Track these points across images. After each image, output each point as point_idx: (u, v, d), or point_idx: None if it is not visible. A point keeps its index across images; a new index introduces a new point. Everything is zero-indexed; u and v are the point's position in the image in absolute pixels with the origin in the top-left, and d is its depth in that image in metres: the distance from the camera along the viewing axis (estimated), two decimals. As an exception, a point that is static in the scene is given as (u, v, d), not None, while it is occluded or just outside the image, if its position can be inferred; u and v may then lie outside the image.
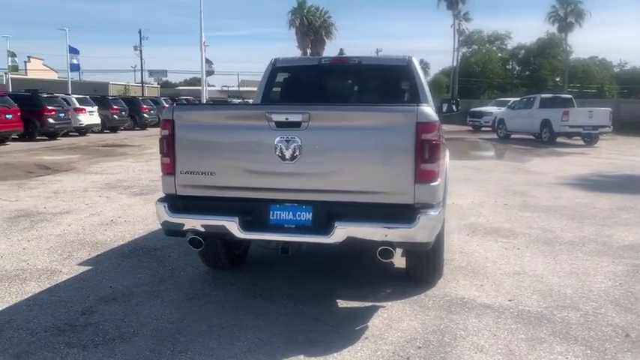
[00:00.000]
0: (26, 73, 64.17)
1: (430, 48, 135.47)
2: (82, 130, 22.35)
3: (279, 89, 5.46)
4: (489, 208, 7.64)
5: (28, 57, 67.94)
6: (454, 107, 6.60)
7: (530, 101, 22.11)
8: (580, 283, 4.46)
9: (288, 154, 3.47)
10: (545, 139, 20.02)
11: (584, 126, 19.16)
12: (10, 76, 53.35)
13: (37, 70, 65.69)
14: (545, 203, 8.08)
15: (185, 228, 3.69)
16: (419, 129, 3.37)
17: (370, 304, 3.97)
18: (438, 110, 6.66)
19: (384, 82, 5.49)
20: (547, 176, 11.15)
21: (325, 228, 3.47)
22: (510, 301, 4.06)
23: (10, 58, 51.03)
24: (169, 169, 3.73)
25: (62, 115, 19.76)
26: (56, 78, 63.91)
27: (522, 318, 3.73)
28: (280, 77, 5.51)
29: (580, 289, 4.33)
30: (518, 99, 24.79)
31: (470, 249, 5.48)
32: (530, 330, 3.54)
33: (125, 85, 63.00)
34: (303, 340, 3.38)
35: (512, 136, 22.76)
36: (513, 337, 3.45)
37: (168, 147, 3.70)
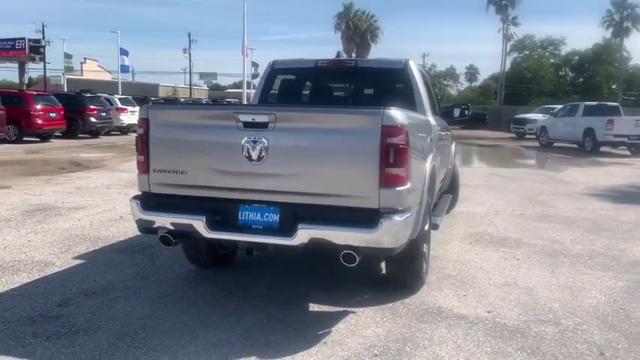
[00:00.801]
0: (82, 73, 66.82)
1: (480, 53, 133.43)
2: (124, 130, 23.09)
3: (277, 91, 5.47)
4: (503, 218, 7.42)
5: (84, 58, 70.65)
6: (466, 112, 6.50)
7: (573, 108, 21.38)
8: (571, 298, 4.26)
9: (254, 154, 3.46)
10: (588, 148, 19.31)
11: (629, 135, 18.39)
12: (67, 76, 55.78)
13: (92, 71, 68.23)
14: (566, 214, 7.78)
15: (155, 225, 3.74)
16: (384, 132, 3.30)
17: (342, 309, 3.92)
18: (448, 115, 6.57)
19: (379, 85, 5.42)
20: (578, 187, 10.73)
21: (289, 230, 3.45)
22: (489, 312, 3.92)
23: (65, 60, 53.41)
24: (144, 168, 3.79)
25: (104, 114, 20.48)
26: (109, 79, 66.19)
27: (495, 331, 3.60)
28: (279, 79, 5.52)
29: (569, 303, 4.13)
30: (561, 106, 23.98)
31: (466, 258, 5.33)
32: (498, 343, 3.41)
33: (174, 87, 64.64)
34: (261, 342, 3.36)
35: (555, 144, 22.07)
36: (478, 349, 3.32)
37: (143, 145, 3.76)
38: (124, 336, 3.39)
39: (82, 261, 4.97)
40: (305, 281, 4.52)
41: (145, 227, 3.80)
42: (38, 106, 17.46)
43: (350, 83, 5.65)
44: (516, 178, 12.11)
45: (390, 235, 3.37)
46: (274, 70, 5.49)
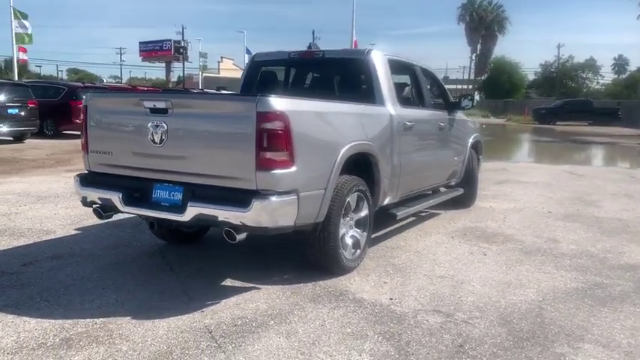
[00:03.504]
0: (219, 72, 71.77)
1: (630, 42, 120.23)
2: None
3: (258, 81, 5.77)
4: (522, 215, 7.06)
5: (221, 57, 75.77)
6: (472, 103, 6.46)
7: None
8: (496, 294, 4.10)
9: (157, 137, 3.84)
10: None
11: None
12: (204, 74, 60.47)
13: (228, 69, 72.98)
14: (601, 214, 7.19)
15: (89, 200, 4.26)
16: (259, 118, 3.50)
17: (252, 285, 4.15)
18: (457, 106, 6.49)
19: (343, 75, 5.52)
20: (654, 187, 9.73)
21: (183, 207, 3.78)
22: (391, 299, 3.93)
23: (201, 59, 57.83)
24: (85, 148, 4.33)
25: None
26: (242, 76, 70.25)
27: (376, 316, 3.63)
28: (259, 71, 5.83)
29: (486, 299, 3.99)
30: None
31: (429, 250, 5.25)
32: (365, 326, 3.45)
33: (299, 83, 66.90)
34: (149, 306, 3.71)
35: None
36: (340, 329, 3.40)
37: (83, 129, 4.30)
38: (45, 292, 3.94)
39: (79, 232, 5.69)
40: (245, 261, 4.78)
41: (83, 201, 4.33)
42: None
43: (319, 73, 5.80)
44: (590, 176, 11.21)
45: (265, 214, 3.56)
46: (255, 62, 5.83)
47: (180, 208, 3.81)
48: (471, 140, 7.21)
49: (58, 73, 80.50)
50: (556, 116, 38.30)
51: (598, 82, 73.67)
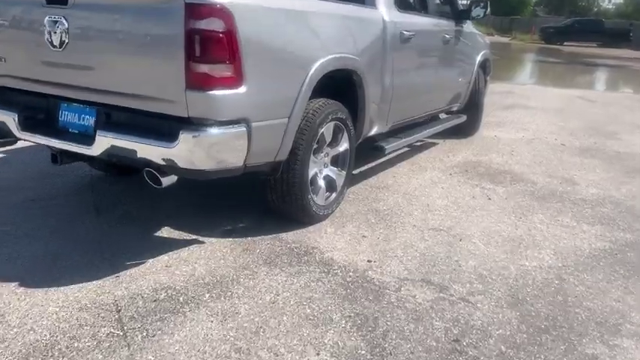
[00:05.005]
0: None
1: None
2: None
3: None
4: (532, 147, 6.10)
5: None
6: (484, 11, 5.36)
7: None
8: (504, 257, 3.22)
9: (56, 39, 2.80)
10: None
11: None
12: None
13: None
14: (622, 149, 6.26)
15: (-20, 122, 3.26)
16: (188, 13, 2.45)
17: (194, 237, 3.24)
18: (465, 14, 5.45)
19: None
20: (677, 117, 8.74)
21: (92, 137, 2.80)
22: (369, 262, 3.04)
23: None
24: (-26, 53, 3.28)
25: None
26: None
27: (348, 288, 2.75)
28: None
29: (492, 263, 3.12)
30: None
31: (423, 191, 4.33)
32: (331, 305, 2.58)
33: None
34: (52, 266, 2.80)
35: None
36: (297, 309, 2.53)
37: (-31, 26, 3.23)
38: None
39: (1, 156, 4.73)
40: (194, 202, 3.86)
41: (-26, 123, 3.33)
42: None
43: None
44: (604, 102, 10.16)
45: (199, 151, 2.59)
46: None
47: (89, 138, 2.83)
48: (479, 58, 6.10)
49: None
50: (564, 36, 36.42)
51: (610, 1, 70.33)
